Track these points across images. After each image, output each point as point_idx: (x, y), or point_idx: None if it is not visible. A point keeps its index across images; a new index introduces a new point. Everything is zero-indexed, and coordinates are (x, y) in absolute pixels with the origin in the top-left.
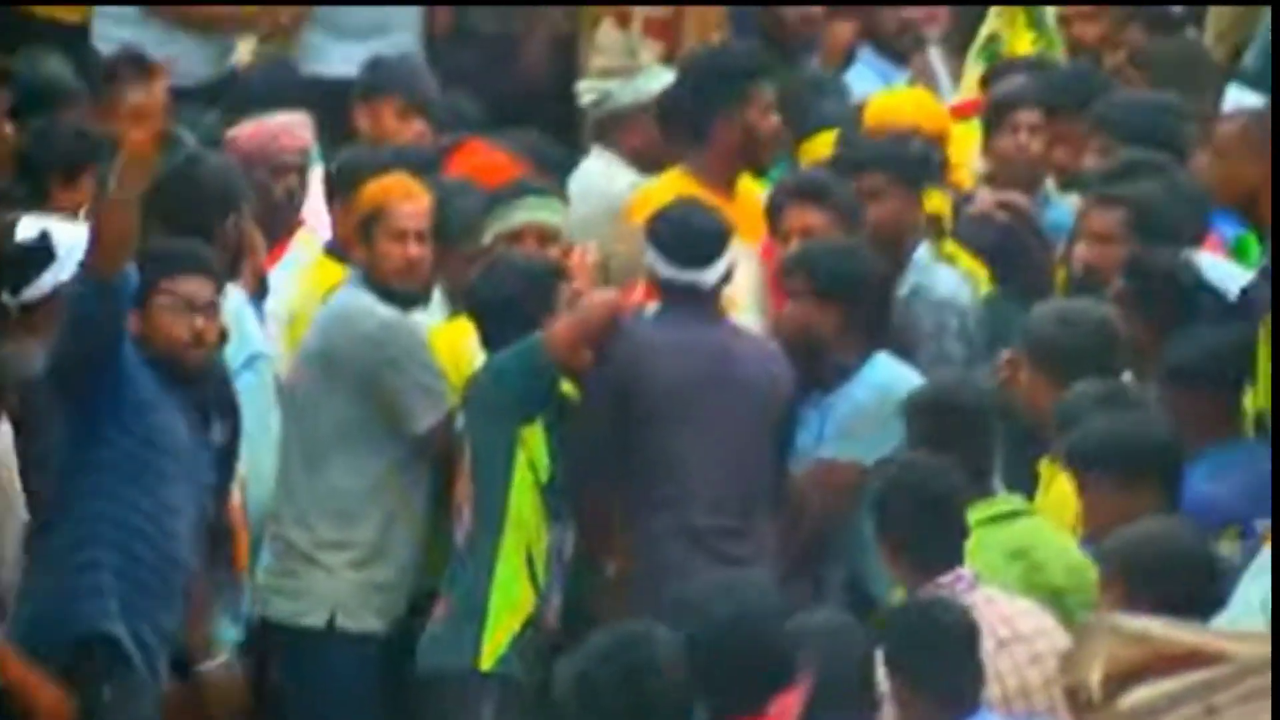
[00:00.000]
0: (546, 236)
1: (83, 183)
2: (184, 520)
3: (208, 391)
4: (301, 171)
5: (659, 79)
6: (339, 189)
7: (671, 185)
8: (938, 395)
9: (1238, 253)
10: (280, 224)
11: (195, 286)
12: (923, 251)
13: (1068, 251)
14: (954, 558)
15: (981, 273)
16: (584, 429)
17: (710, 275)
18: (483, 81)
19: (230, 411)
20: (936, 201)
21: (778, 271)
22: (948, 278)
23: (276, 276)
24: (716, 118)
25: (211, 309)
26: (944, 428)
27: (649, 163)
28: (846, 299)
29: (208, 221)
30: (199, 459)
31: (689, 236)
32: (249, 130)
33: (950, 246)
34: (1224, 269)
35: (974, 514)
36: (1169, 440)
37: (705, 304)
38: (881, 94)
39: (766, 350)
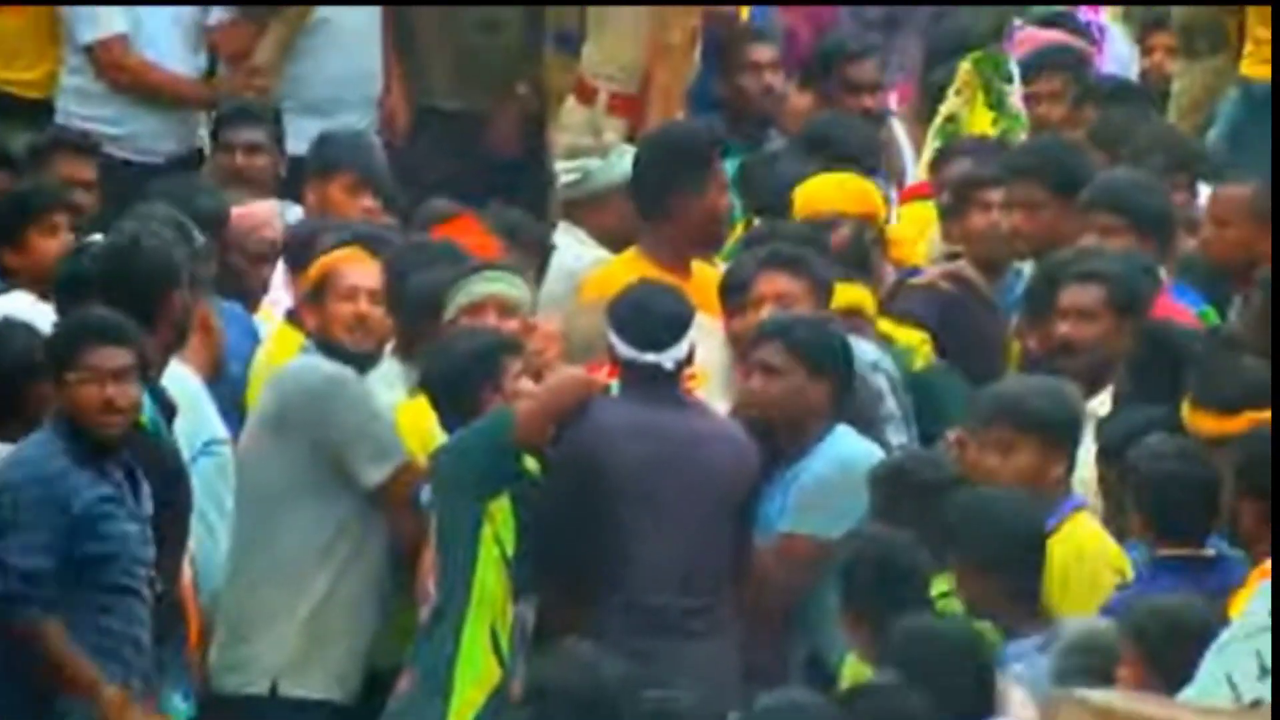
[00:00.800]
0: (507, 309)
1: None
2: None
3: (131, 460)
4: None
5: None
6: (289, 261)
7: (626, 264)
8: (900, 468)
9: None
10: (253, 308)
11: (105, 356)
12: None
13: (1020, 325)
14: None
15: (923, 346)
16: (547, 506)
17: (670, 358)
18: (451, 159)
19: (168, 482)
20: (854, 294)
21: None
22: (867, 346)
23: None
24: (674, 196)
25: (126, 375)
26: (906, 501)
27: (619, 242)
28: (830, 372)
29: (148, 300)
30: None
31: (649, 320)
32: (241, 214)
33: (885, 325)
34: None
35: (935, 587)
36: None
37: (667, 385)
38: (809, 181)
39: (730, 430)
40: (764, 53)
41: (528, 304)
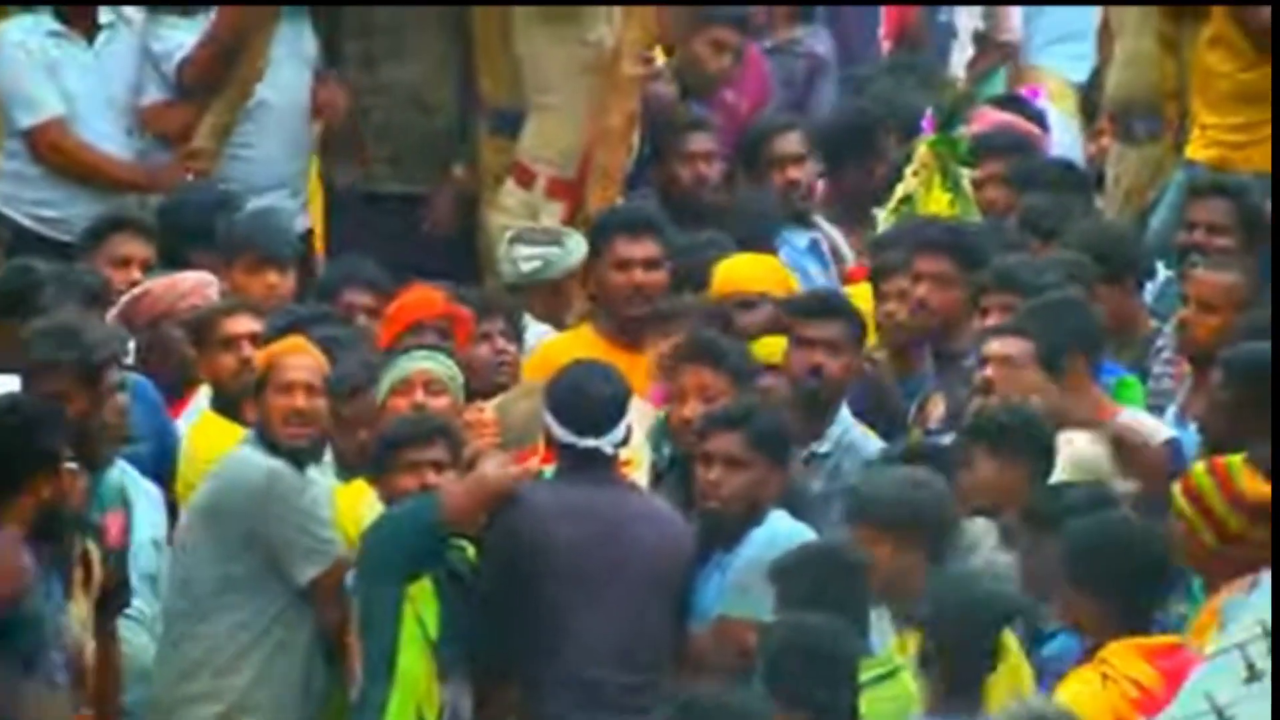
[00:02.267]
0: (434, 385)
1: None
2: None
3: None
4: None
5: (581, 247)
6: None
7: (575, 340)
8: (806, 558)
9: (1119, 395)
10: (185, 380)
11: None
12: (847, 411)
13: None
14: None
15: None
16: (483, 588)
17: (607, 442)
18: (387, 240)
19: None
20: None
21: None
22: (871, 442)
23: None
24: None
25: None
26: (816, 589)
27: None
28: (786, 462)
29: (16, 476)
30: None
31: (585, 404)
32: (160, 286)
33: None
34: None
35: (867, 670)
36: None
37: (603, 468)
38: (728, 261)
39: (663, 511)
40: (701, 142)
41: (457, 382)
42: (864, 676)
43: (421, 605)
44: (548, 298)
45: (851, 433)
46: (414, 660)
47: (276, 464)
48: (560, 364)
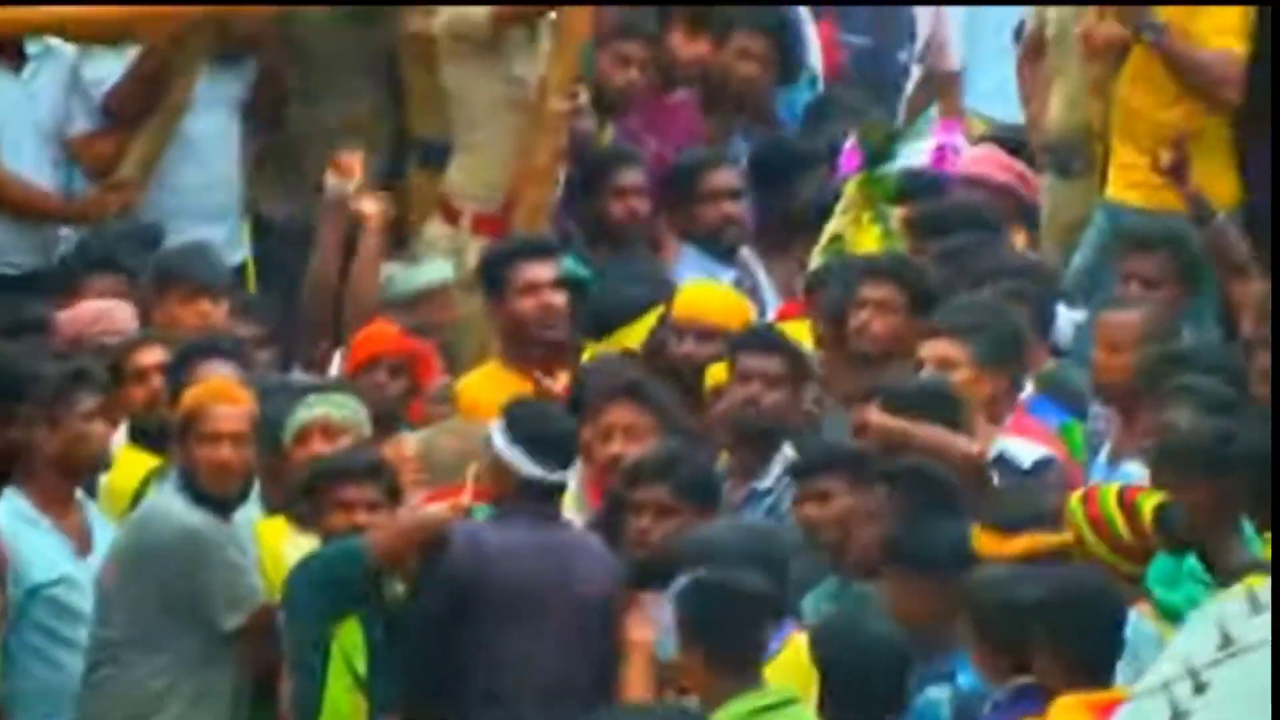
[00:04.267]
0: (332, 429)
1: None
2: None
3: None
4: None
5: (436, 270)
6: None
7: (488, 377)
8: (705, 583)
9: (1065, 438)
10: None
11: None
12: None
13: None
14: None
15: None
16: (414, 625)
17: (571, 475)
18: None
19: None
20: None
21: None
22: None
23: None
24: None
25: None
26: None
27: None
28: (712, 507)
29: None
30: None
31: (555, 438)
32: (70, 315)
33: None
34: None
35: (746, 703)
36: None
37: (553, 502)
38: (690, 286)
39: (594, 543)
40: (630, 177)
41: (359, 422)
42: (758, 703)
43: (347, 644)
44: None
45: None
46: (341, 699)
47: (197, 521)
48: (484, 402)
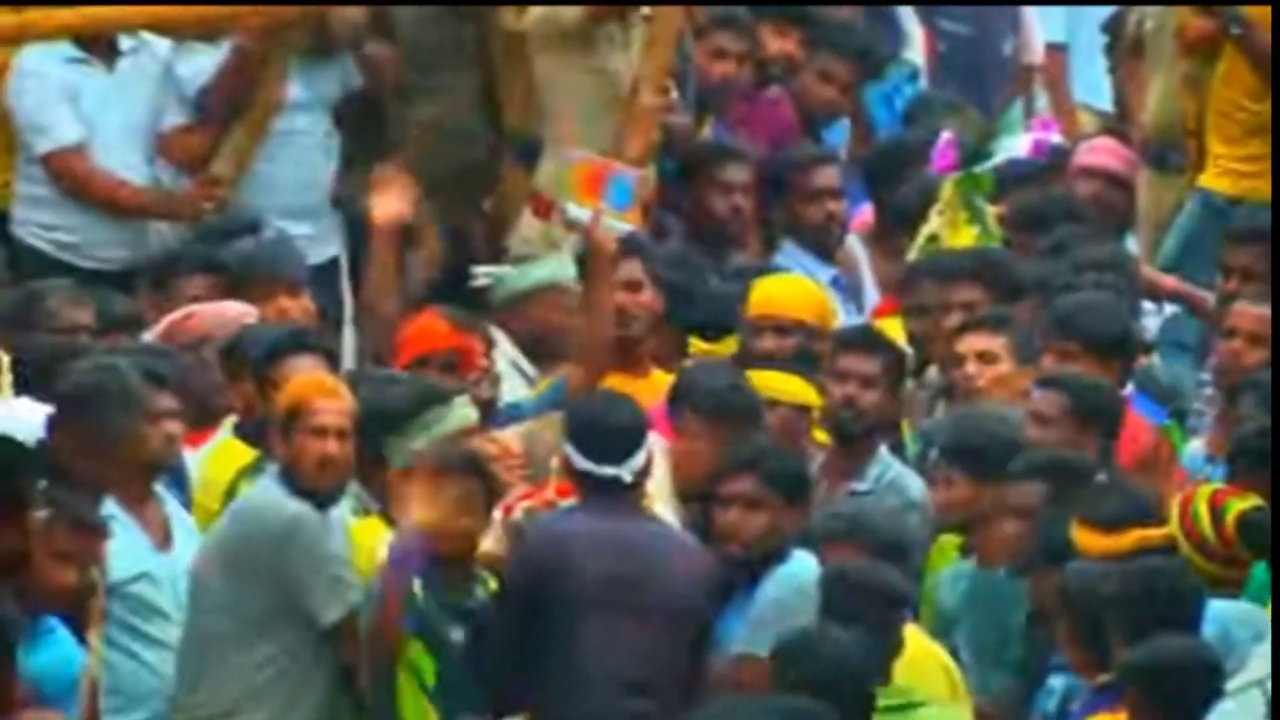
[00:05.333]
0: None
1: None
2: None
3: None
4: None
5: (549, 266)
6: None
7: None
8: (851, 573)
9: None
10: (212, 409)
11: None
12: (886, 450)
13: None
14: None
15: None
16: (496, 621)
17: (627, 470)
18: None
19: None
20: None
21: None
22: (913, 481)
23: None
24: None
25: None
26: (856, 606)
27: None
28: (802, 502)
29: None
30: None
31: (605, 432)
32: (207, 311)
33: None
34: None
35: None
36: None
37: (623, 498)
38: (766, 281)
39: (687, 545)
40: (737, 173)
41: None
42: (881, 703)
43: (414, 656)
44: (510, 318)
45: (892, 471)
46: (411, 708)
47: (299, 509)
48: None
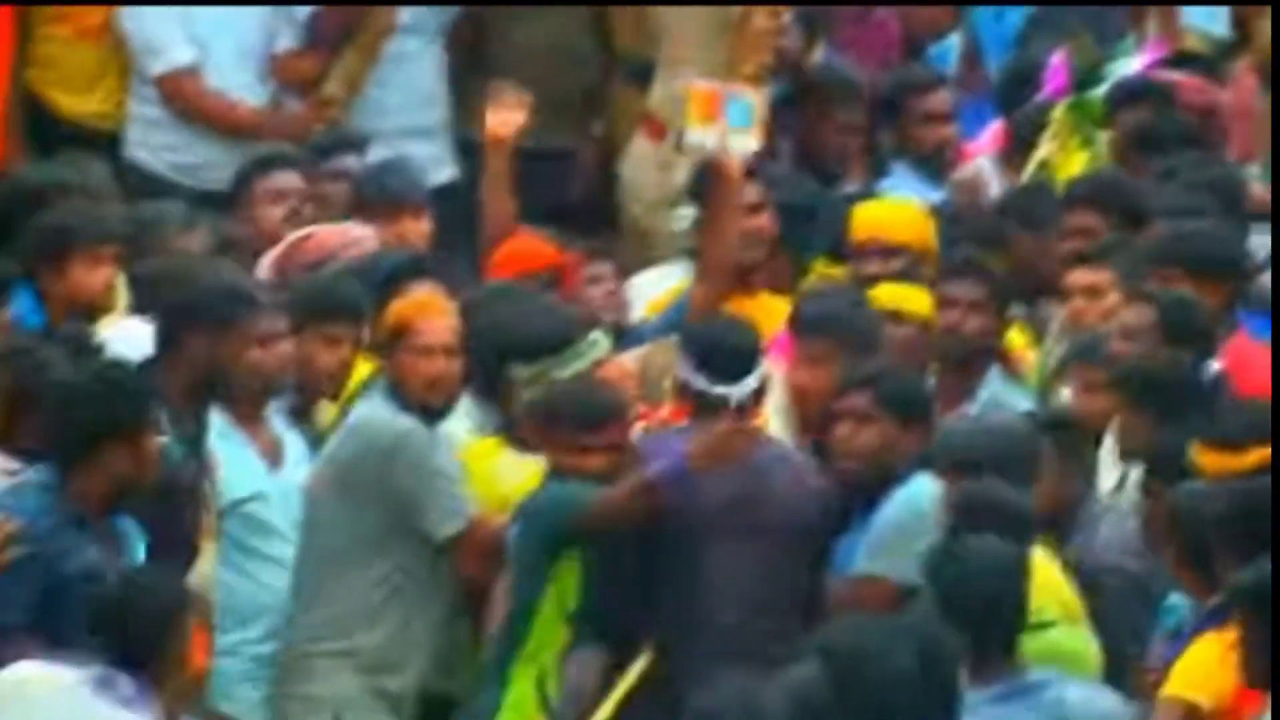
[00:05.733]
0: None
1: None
2: None
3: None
4: None
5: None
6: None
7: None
8: (978, 495)
9: None
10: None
11: None
12: (995, 371)
13: None
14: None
15: None
16: (620, 547)
17: (741, 390)
18: (528, 194)
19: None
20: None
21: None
22: (1025, 400)
23: None
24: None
25: None
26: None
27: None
28: (918, 422)
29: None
30: None
31: (721, 352)
32: (328, 232)
33: None
34: None
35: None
36: None
37: (739, 418)
38: (867, 206)
39: (802, 465)
40: (850, 114)
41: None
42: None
43: (565, 581)
44: None
45: (1002, 393)
46: (547, 632)
47: (407, 424)
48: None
